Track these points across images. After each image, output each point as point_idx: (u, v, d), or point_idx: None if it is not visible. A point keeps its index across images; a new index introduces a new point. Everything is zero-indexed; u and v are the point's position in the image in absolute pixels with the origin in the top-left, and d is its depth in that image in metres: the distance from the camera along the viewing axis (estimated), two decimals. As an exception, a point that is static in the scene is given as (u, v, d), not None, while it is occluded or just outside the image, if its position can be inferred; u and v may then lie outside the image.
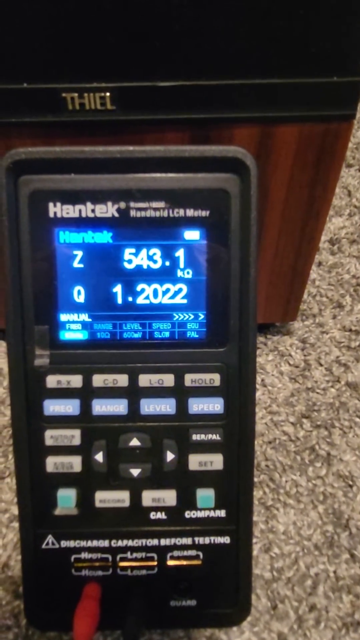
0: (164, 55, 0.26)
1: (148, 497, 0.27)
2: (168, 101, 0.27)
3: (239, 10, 0.25)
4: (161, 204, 0.25)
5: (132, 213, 0.25)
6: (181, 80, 0.26)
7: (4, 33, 0.25)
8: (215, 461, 0.26)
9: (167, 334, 0.26)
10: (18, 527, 0.27)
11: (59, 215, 0.25)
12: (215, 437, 0.26)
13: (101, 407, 0.26)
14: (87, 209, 0.25)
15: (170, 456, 0.26)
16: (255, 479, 0.36)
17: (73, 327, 0.26)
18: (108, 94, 0.27)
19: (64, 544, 0.27)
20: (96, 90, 0.27)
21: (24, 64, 0.26)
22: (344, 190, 0.57)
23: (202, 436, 0.26)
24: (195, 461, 0.26)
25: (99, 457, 0.26)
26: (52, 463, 0.26)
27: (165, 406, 0.26)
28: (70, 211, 0.25)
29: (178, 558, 0.27)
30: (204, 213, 0.25)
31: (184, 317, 0.26)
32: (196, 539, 0.27)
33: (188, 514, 0.27)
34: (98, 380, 0.26)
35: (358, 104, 0.27)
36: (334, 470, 0.36)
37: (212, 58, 0.26)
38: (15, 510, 0.33)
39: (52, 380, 0.26)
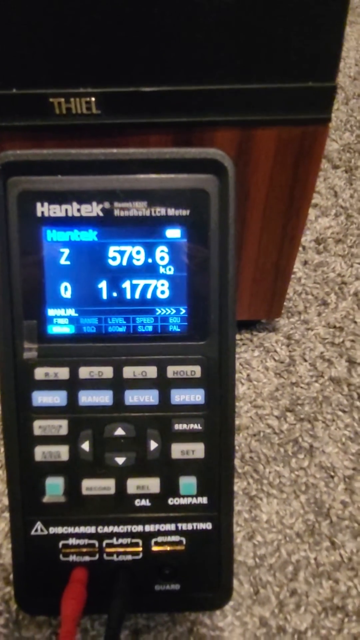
0: (146, 62, 0.27)
1: (133, 485, 0.28)
2: (151, 105, 0.28)
3: (219, 19, 0.26)
4: (143, 204, 0.26)
5: (116, 212, 0.26)
6: (164, 85, 0.28)
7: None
8: (197, 450, 0.28)
9: (150, 328, 0.27)
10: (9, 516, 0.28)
11: (46, 214, 0.26)
12: (197, 426, 0.27)
13: (87, 398, 0.27)
14: (73, 209, 0.26)
15: (153, 445, 0.28)
16: (240, 470, 0.37)
17: (60, 321, 0.27)
18: (93, 98, 0.28)
19: (52, 530, 0.28)
20: (82, 95, 0.28)
21: (13, 70, 0.28)
22: (330, 191, 0.58)
23: (184, 426, 0.27)
24: (178, 450, 0.27)
25: (86, 446, 0.27)
26: (41, 452, 0.27)
27: (149, 397, 0.27)
28: (57, 210, 0.26)
29: (162, 544, 0.28)
30: (185, 212, 0.26)
31: (166, 311, 0.27)
32: (179, 525, 0.28)
33: (171, 501, 0.28)
34: (84, 372, 0.27)
35: (332, 108, 0.28)
36: (316, 462, 0.37)
37: (193, 64, 0.27)
38: (5, 500, 0.34)
39: (40, 373, 0.27)
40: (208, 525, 0.28)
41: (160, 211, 0.26)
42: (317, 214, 0.55)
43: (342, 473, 0.37)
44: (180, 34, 0.26)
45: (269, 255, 0.37)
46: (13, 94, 0.28)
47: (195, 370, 0.27)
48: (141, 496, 0.28)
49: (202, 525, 0.28)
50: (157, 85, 0.28)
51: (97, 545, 0.28)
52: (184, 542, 0.28)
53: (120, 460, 0.28)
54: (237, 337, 0.44)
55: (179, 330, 0.27)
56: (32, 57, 0.27)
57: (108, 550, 0.28)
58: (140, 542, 0.28)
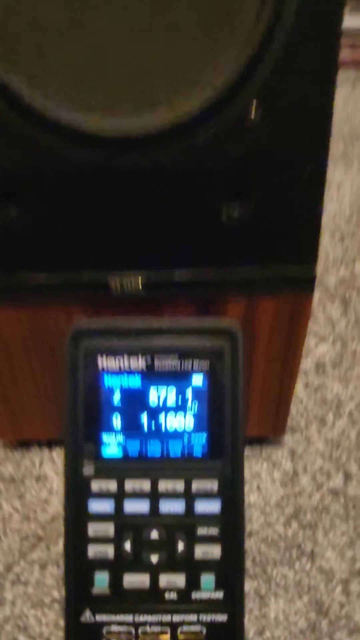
0: (179, 257, 0.38)
1: (164, 580, 0.35)
2: (181, 286, 0.39)
3: (235, 232, 0.37)
4: (175, 359, 0.36)
5: (156, 365, 0.36)
6: (190, 270, 0.39)
7: (74, 240, 0.38)
8: (215, 551, 0.35)
9: (179, 452, 0.35)
10: (59, 608, 0.35)
11: (104, 366, 0.36)
12: (215, 531, 0.35)
13: (130, 506, 0.35)
14: (124, 362, 0.36)
15: (181, 546, 0.35)
16: (251, 571, 0.43)
17: (112, 445, 0.36)
18: (139, 279, 0.39)
19: (98, 618, 0.34)
20: (132, 276, 0.39)
21: (83, 258, 0.39)
22: (328, 321, 0.68)
23: (205, 531, 0.35)
24: (200, 551, 0.35)
25: (127, 546, 0.35)
26: (92, 551, 0.35)
27: (178, 507, 0.35)
28: (112, 363, 0.36)
29: (186, 633, 0.35)
30: (206, 365, 0.35)
31: (191, 439, 0.36)
32: (200, 616, 0.35)
33: (194, 595, 0.35)
34: (128, 486, 0.35)
35: (314, 289, 0.39)
36: (317, 565, 0.44)
37: (213, 259, 0.38)
38: (55, 593, 0.41)
39: (95, 485, 0.35)
40: (224, 617, 0.35)
41: (188, 364, 0.35)
42: (317, 341, 0.65)
43: (339, 576, 0.43)
44: (204, 239, 0.37)
45: (272, 386, 0.46)
46: (82, 275, 0.39)
47: (214, 485, 0.35)
48: (170, 590, 0.35)
49: (219, 617, 0.35)
50: (186, 269, 0.38)
51: (133, 632, 0.34)
52: (204, 632, 0.34)
53: (154, 558, 0.35)
54: (249, 451, 0.52)
55: (201, 453, 0.35)
56: (98, 250, 0.38)
57: (142, 637, 0.34)
58: (168, 630, 0.34)
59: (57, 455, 0.50)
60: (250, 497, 0.48)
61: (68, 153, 0.34)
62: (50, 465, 0.50)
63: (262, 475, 0.50)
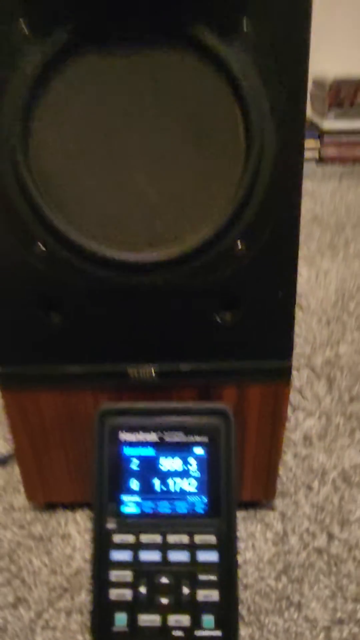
0: (183, 352, 0.48)
1: (172, 619, 0.42)
2: (185, 375, 0.49)
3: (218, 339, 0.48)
4: (181, 434, 0.45)
5: (166, 438, 0.45)
6: (192, 363, 0.49)
7: (101, 339, 0.48)
8: (214, 594, 0.42)
9: (184, 510, 0.44)
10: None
11: (124, 439, 0.45)
12: (214, 577, 0.43)
13: (145, 556, 0.43)
14: (140, 436, 0.45)
15: (186, 590, 0.43)
16: (246, 619, 0.50)
17: (130, 504, 0.44)
18: (152, 370, 0.49)
19: (118, 652, 0.42)
20: (146, 367, 0.49)
21: (108, 353, 0.49)
22: (315, 398, 0.77)
23: (205, 577, 0.43)
24: (202, 594, 0.42)
25: (143, 590, 0.42)
26: (114, 593, 0.42)
27: (183, 556, 0.43)
28: (131, 437, 0.45)
29: (190, 666, 0.42)
30: (205, 439, 0.45)
31: (194, 499, 0.44)
32: (202, 651, 0.42)
33: (197, 632, 0.42)
34: (144, 538, 0.43)
35: (291, 377, 0.49)
36: (303, 615, 0.50)
37: (210, 354, 0.48)
38: (79, 637, 0.48)
39: (116, 538, 0.43)
40: (222, 653, 0.42)
41: (191, 438, 0.45)
42: (305, 415, 0.74)
43: (322, 624, 0.50)
44: (203, 338, 0.48)
45: (262, 455, 0.55)
46: (106, 367, 0.49)
47: (212, 539, 0.43)
48: (177, 628, 0.42)
49: (218, 653, 0.42)
50: (189, 362, 0.49)
51: (146, 665, 0.41)
52: (205, 666, 0.41)
53: (164, 600, 0.42)
54: (245, 514, 0.60)
55: (202, 511, 0.44)
56: (120, 346, 0.49)
57: (154, 670, 0.41)
58: (176, 663, 0.41)
59: (80, 517, 0.59)
60: (246, 554, 0.56)
61: (98, 274, 0.46)
62: (74, 525, 0.58)
63: (257, 535, 0.58)
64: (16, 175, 0.42)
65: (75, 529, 0.57)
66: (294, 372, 0.82)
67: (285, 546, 0.56)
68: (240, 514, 0.60)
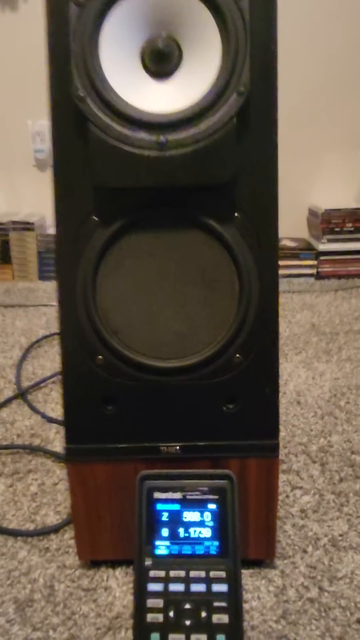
0: (199, 433, 0.66)
1: (194, 638, 0.55)
2: (201, 450, 0.66)
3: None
4: (199, 493, 0.61)
5: (187, 497, 0.61)
6: (205, 441, 0.66)
7: (141, 424, 0.66)
8: (224, 618, 0.56)
9: (202, 551, 0.59)
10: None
11: (158, 497, 0.62)
12: (224, 604, 0.57)
13: (173, 587, 0.57)
14: (169, 495, 0.61)
15: (204, 615, 0.56)
16: (253, 651, 0.63)
17: (161, 547, 0.60)
18: (177, 446, 0.66)
19: (153, 664, 0.55)
20: (173, 444, 0.67)
21: (146, 434, 0.67)
22: (310, 478, 0.92)
23: (218, 604, 0.57)
24: (216, 617, 0.56)
25: (171, 614, 0.56)
26: (150, 617, 0.56)
27: (202, 587, 0.57)
28: (162, 496, 0.61)
29: None
30: (217, 496, 0.61)
31: (209, 543, 0.60)
32: (217, 664, 0.55)
33: (213, 649, 0.55)
34: (172, 573, 0.58)
35: (279, 452, 0.66)
36: (299, 649, 0.63)
37: (219, 435, 0.66)
38: (120, 662, 0.61)
39: (152, 573, 0.58)
40: (232, 666, 0.55)
41: (206, 496, 0.61)
42: (302, 493, 0.89)
43: (314, 656, 0.62)
44: (213, 423, 0.66)
45: (261, 518, 0.70)
46: (144, 444, 0.67)
47: (223, 574, 0.58)
48: (198, 645, 0.55)
49: (229, 665, 0.55)
50: (203, 440, 0.66)
51: (175, 674, 0.54)
52: None
53: (188, 622, 0.56)
54: (252, 571, 0.73)
55: (215, 553, 0.59)
56: (155, 429, 0.67)
57: None
58: (197, 673, 0.54)
59: (118, 573, 0.73)
60: (252, 602, 0.69)
61: (140, 377, 0.65)
62: (114, 579, 0.72)
63: (261, 588, 0.71)
64: (87, 312, 0.63)
65: (115, 583, 0.71)
66: (293, 457, 0.98)
67: (284, 597, 0.70)
68: (247, 572, 0.73)
